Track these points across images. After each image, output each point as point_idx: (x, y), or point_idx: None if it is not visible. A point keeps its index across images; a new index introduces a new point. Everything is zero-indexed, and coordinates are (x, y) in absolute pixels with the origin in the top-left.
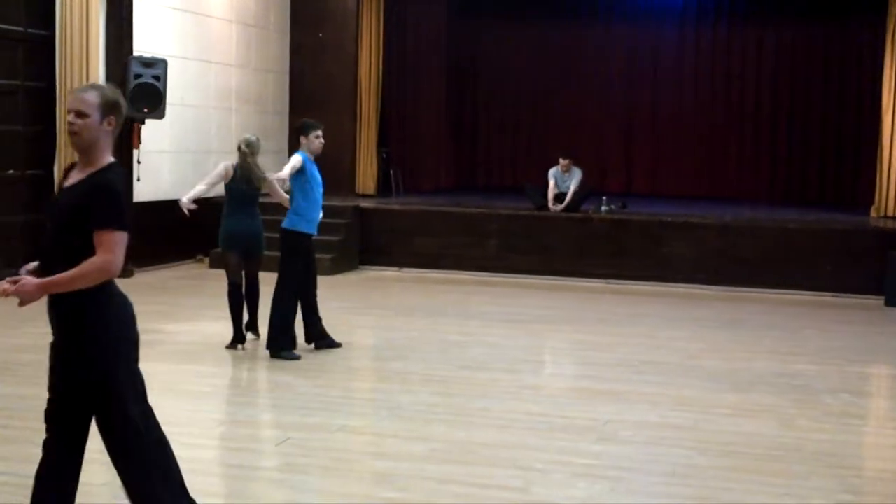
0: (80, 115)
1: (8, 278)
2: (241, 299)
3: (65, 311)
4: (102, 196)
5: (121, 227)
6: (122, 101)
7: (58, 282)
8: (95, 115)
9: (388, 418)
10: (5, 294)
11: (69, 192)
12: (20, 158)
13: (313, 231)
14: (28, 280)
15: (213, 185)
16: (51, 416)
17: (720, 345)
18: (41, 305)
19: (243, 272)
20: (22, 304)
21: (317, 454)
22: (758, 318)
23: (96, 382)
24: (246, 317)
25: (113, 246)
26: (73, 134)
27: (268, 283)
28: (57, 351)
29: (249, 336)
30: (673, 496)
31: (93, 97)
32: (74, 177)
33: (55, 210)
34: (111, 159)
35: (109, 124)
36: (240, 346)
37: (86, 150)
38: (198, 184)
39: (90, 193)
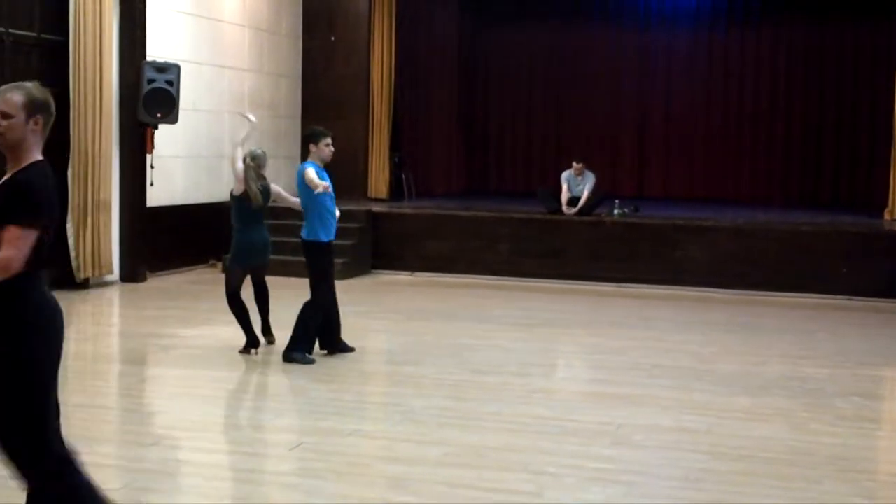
0: (4, 115)
1: None
2: (243, 304)
3: None
4: (16, 193)
5: (29, 224)
6: (50, 101)
7: None
8: (21, 116)
9: (401, 422)
10: None
11: None
12: None
13: (332, 237)
14: None
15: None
16: None
17: (733, 348)
18: None
19: (248, 279)
20: None
21: (330, 459)
22: (771, 322)
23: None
24: (255, 322)
25: (17, 241)
26: None
27: (279, 287)
28: None
29: (265, 341)
30: (687, 500)
31: (18, 97)
32: (5, 177)
33: None
34: (37, 157)
35: (36, 123)
36: (253, 351)
37: (11, 149)
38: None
39: (8, 192)
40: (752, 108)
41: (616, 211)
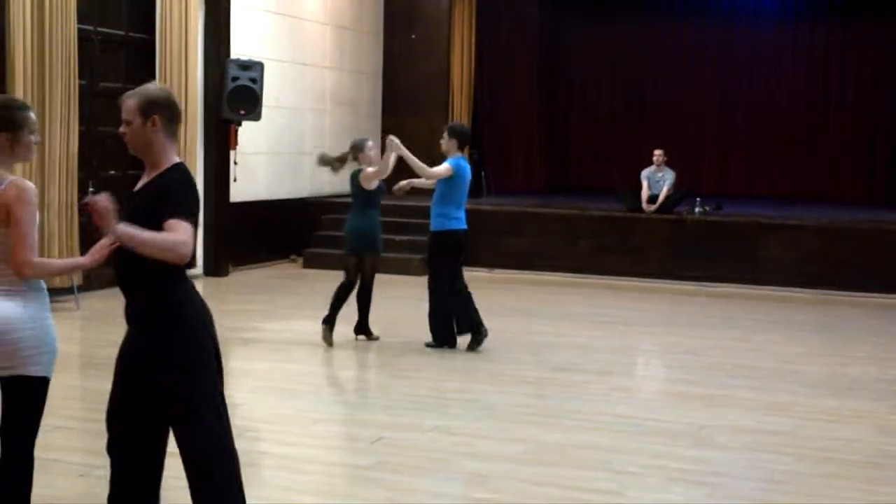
0: (126, 122)
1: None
2: (345, 295)
3: (139, 308)
4: (167, 192)
5: (187, 217)
6: (170, 98)
7: (134, 234)
8: (137, 120)
9: (481, 419)
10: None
11: (138, 196)
12: (122, 160)
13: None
14: (105, 199)
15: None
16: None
17: (817, 349)
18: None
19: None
20: (99, 219)
21: (410, 453)
22: (856, 323)
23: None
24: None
25: (184, 231)
26: (126, 143)
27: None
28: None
29: (361, 338)
30: (770, 502)
31: (132, 103)
32: (142, 181)
33: (127, 217)
34: (175, 160)
35: (154, 124)
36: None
37: (143, 155)
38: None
39: (158, 194)
40: (837, 105)
41: (697, 209)
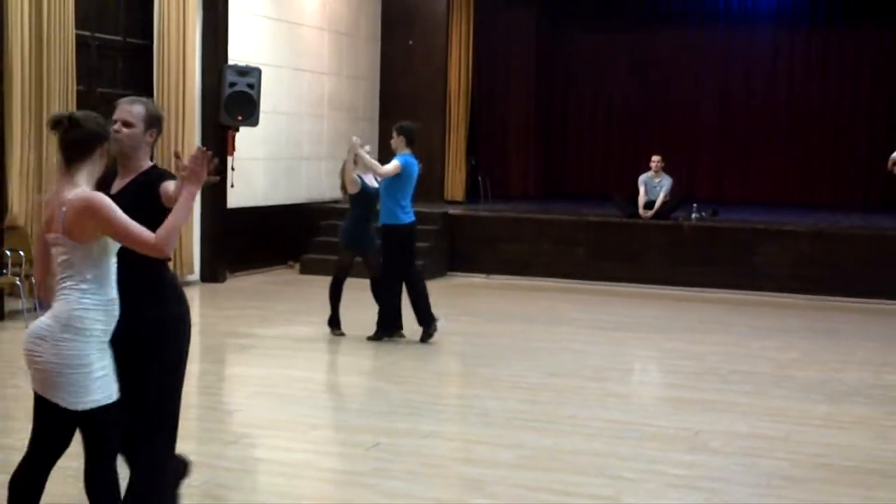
0: (126, 124)
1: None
2: (336, 290)
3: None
4: (158, 178)
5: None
6: (163, 118)
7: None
8: (140, 126)
9: (477, 424)
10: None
11: (120, 197)
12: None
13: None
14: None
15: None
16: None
17: (812, 355)
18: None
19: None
20: (204, 167)
21: (407, 459)
22: (852, 328)
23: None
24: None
25: (169, 227)
26: (116, 141)
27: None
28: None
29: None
30: None
31: (139, 109)
32: (118, 184)
33: None
34: (150, 164)
35: (151, 136)
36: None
37: (126, 156)
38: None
39: (147, 191)
40: (834, 110)
41: (694, 215)
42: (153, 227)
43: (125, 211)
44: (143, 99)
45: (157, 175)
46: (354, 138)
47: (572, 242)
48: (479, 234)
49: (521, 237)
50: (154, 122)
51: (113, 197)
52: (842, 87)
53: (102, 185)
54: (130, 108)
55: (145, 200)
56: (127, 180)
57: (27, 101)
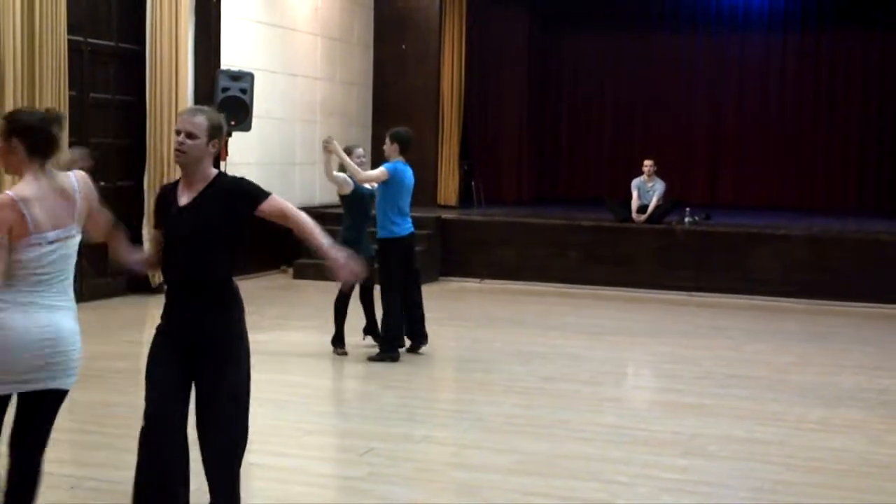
0: (189, 136)
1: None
2: (342, 306)
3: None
4: (240, 191)
5: (269, 193)
6: (224, 125)
7: (321, 238)
8: (203, 138)
9: (471, 429)
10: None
11: (194, 208)
12: (112, 170)
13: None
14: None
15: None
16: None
17: (807, 359)
18: (127, 313)
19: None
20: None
21: (400, 464)
22: (846, 332)
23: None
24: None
25: (284, 203)
26: (180, 153)
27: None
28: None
29: (367, 339)
30: None
31: (202, 121)
32: (187, 195)
33: (184, 228)
34: (216, 171)
35: (213, 146)
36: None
37: (192, 167)
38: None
39: (227, 197)
40: (827, 114)
41: (687, 219)
42: (237, 235)
43: (205, 219)
44: (205, 109)
45: (231, 182)
46: (327, 136)
47: (565, 247)
48: (472, 239)
49: (514, 241)
50: (216, 132)
51: (185, 208)
52: (834, 91)
53: (162, 198)
54: (193, 120)
55: (231, 206)
56: (196, 192)
57: (19, 107)
